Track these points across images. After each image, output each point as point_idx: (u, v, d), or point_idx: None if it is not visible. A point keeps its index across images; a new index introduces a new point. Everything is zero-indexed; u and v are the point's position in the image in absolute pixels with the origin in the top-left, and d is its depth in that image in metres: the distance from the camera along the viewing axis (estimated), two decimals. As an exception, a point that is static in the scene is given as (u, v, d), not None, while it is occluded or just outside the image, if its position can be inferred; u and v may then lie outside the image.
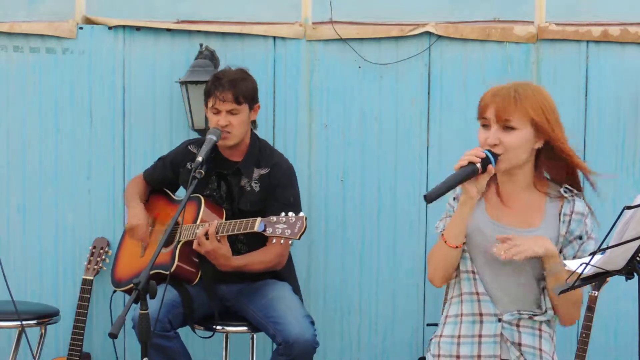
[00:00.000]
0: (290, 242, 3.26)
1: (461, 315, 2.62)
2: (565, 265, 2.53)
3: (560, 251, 2.58)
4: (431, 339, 2.72)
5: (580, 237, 2.59)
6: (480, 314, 2.57)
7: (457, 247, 2.56)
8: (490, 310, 2.56)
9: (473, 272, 2.59)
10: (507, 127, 2.53)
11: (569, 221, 2.58)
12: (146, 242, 3.74)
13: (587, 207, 2.63)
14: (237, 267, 3.51)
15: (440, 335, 2.66)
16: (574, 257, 2.56)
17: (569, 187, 2.63)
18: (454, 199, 2.67)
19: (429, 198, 2.43)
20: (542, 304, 2.58)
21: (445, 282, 2.66)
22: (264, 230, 3.26)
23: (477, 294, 2.58)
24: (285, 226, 3.23)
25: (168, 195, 3.90)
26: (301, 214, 3.26)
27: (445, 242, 2.57)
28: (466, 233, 2.59)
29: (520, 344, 2.56)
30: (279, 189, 3.61)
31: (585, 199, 2.65)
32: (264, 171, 3.65)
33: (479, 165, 2.49)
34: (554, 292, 2.53)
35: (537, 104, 2.57)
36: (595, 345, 3.94)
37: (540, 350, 2.58)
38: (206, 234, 3.39)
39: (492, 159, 2.51)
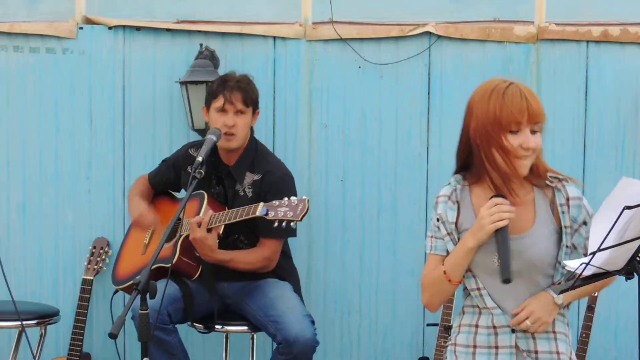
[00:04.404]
0: (293, 224, 3.26)
1: (476, 326, 2.59)
2: (566, 265, 2.52)
3: (570, 243, 2.52)
4: (447, 346, 2.71)
5: (585, 223, 2.52)
6: (494, 327, 2.56)
7: (459, 282, 2.54)
8: (503, 323, 2.54)
9: (478, 289, 2.56)
10: (534, 130, 2.46)
11: (568, 209, 2.52)
12: (157, 226, 3.75)
13: (578, 189, 2.56)
14: (221, 260, 3.54)
15: (455, 344, 2.63)
16: (585, 242, 2.51)
17: (554, 175, 2.55)
18: (438, 219, 2.60)
19: (510, 279, 2.39)
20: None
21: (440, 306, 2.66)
22: (266, 214, 3.27)
23: (488, 308, 2.55)
24: (287, 209, 3.25)
25: (172, 195, 3.92)
26: (303, 196, 3.29)
27: (449, 280, 2.52)
28: None
29: (536, 352, 2.54)
30: (269, 196, 3.60)
31: (574, 181, 2.57)
32: (256, 177, 3.66)
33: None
34: (554, 291, 2.51)
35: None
36: (595, 345, 3.94)
37: (558, 353, 2.56)
38: (199, 223, 3.44)
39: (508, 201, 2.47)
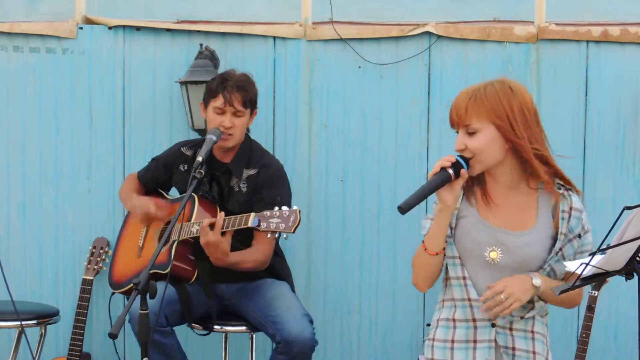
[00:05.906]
0: (285, 236, 3.23)
1: (454, 320, 2.60)
2: (565, 267, 2.53)
3: (559, 249, 2.56)
4: (424, 342, 2.72)
5: (580, 236, 2.57)
6: (474, 320, 2.57)
7: (437, 254, 2.57)
8: (483, 316, 2.55)
9: (464, 278, 2.57)
10: (470, 131, 2.53)
11: (569, 218, 2.55)
12: (166, 216, 3.69)
13: (581, 202, 2.61)
14: (232, 263, 3.48)
15: (433, 339, 2.65)
16: (575, 255, 2.56)
17: (561, 183, 2.60)
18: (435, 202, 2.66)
19: (404, 209, 2.44)
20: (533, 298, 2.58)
21: (430, 286, 2.68)
22: (258, 225, 3.21)
23: (469, 300, 2.56)
24: (279, 220, 3.18)
25: (162, 195, 3.90)
26: (295, 207, 3.21)
27: (425, 249, 2.58)
28: (456, 238, 2.58)
29: (513, 348, 2.56)
30: (265, 190, 3.59)
31: (579, 193, 2.63)
32: (252, 172, 3.65)
33: (451, 171, 2.49)
34: (554, 291, 2.52)
35: (497, 103, 2.51)
36: (595, 345, 3.95)
37: (534, 352, 2.57)
38: (211, 225, 3.34)
39: (464, 163, 2.52)
